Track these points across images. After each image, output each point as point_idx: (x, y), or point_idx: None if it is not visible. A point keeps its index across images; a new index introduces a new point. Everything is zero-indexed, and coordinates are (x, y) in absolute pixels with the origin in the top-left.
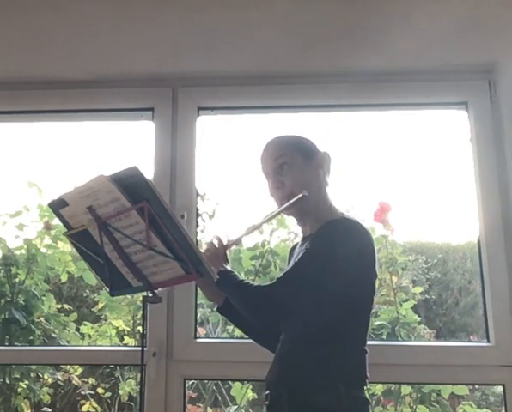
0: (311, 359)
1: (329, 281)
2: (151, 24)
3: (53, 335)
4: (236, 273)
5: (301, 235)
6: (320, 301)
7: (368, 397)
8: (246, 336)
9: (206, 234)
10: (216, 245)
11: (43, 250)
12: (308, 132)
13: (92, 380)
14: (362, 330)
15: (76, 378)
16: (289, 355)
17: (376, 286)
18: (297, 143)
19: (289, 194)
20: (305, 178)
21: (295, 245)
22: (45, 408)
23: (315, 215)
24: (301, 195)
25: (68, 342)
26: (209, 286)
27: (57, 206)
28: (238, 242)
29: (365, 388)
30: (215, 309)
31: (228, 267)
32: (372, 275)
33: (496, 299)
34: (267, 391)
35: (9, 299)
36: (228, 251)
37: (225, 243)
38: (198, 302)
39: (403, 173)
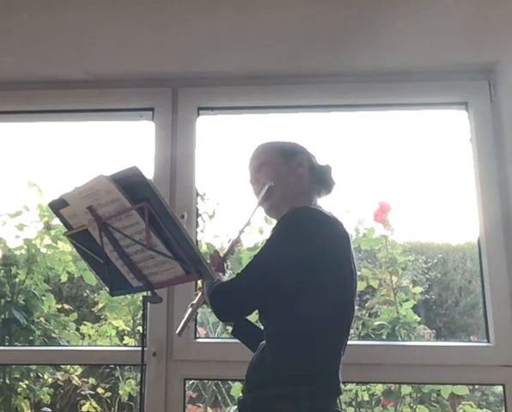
0: (273, 364)
1: (282, 267)
2: (151, 24)
3: (53, 335)
4: (219, 277)
5: None
6: (274, 301)
7: (340, 408)
8: None
9: (206, 234)
10: (214, 258)
11: (43, 250)
12: (308, 132)
13: (92, 380)
14: (333, 333)
15: (76, 378)
16: (256, 360)
17: (358, 287)
18: (278, 145)
19: (262, 188)
20: (279, 174)
21: None
22: (45, 408)
23: None
24: (266, 186)
25: (68, 342)
26: None
27: (58, 206)
28: (232, 250)
29: (339, 397)
30: None
31: (224, 278)
32: (338, 272)
33: (496, 299)
34: (240, 395)
35: (9, 299)
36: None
37: (222, 255)
38: None
39: (403, 173)
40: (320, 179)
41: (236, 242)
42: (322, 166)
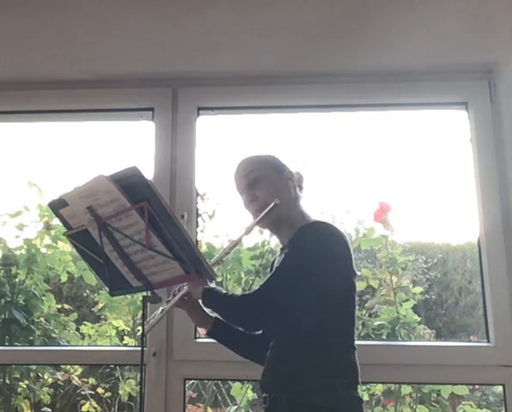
0: (305, 360)
1: (310, 282)
2: (151, 24)
3: (53, 335)
4: (219, 288)
5: None
6: (303, 303)
7: (360, 396)
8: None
9: (206, 234)
10: None
11: (43, 250)
12: (308, 132)
13: (92, 380)
14: (349, 328)
15: (76, 378)
16: (282, 360)
17: (357, 285)
18: (267, 159)
19: (263, 205)
20: (276, 190)
21: (275, 259)
22: (45, 408)
23: (290, 223)
24: (273, 204)
25: (68, 342)
26: (196, 312)
27: (57, 206)
28: (219, 261)
29: (358, 387)
30: None
31: (212, 285)
32: (350, 274)
33: (496, 299)
34: (264, 394)
35: (9, 299)
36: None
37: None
38: None
39: (403, 173)
40: (301, 187)
41: (225, 254)
42: (298, 173)
